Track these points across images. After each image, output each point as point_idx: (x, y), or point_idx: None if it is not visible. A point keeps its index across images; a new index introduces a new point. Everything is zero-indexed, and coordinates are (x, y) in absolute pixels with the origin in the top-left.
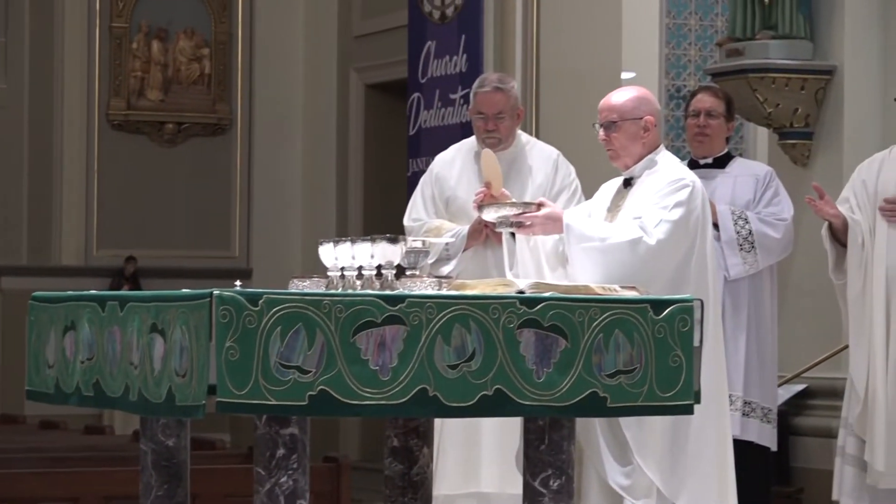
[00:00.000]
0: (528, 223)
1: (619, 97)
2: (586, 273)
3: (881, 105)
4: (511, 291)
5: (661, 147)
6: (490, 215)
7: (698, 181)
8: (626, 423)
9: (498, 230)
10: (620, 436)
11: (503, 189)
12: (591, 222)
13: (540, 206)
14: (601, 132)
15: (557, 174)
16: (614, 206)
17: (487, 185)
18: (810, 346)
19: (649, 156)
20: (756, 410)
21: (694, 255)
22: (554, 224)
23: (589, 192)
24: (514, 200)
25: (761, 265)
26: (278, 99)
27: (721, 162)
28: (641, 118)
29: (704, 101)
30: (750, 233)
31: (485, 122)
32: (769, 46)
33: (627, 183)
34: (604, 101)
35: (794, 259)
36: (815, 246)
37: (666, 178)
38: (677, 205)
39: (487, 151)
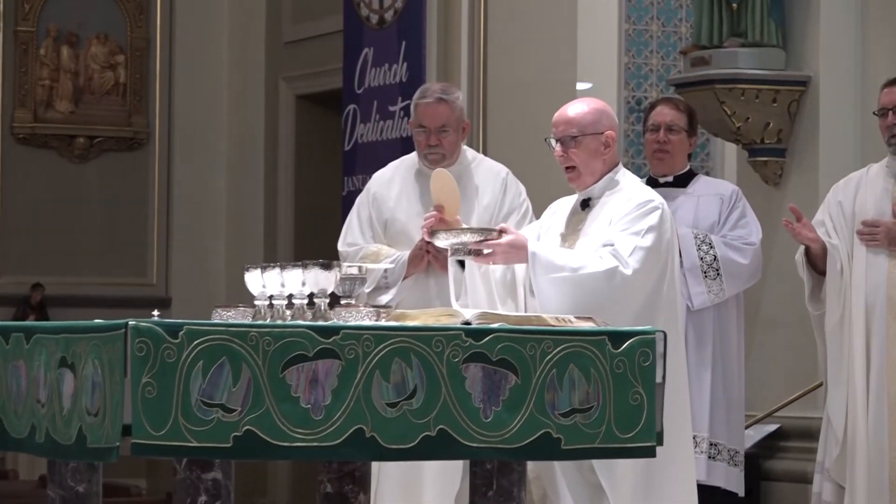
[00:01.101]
0: (489, 251)
1: (578, 109)
2: (553, 305)
3: (860, 119)
4: (456, 322)
5: (620, 165)
6: (444, 242)
7: (665, 202)
8: (598, 465)
9: (452, 258)
10: (591, 479)
11: (458, 216)
12: (559, 251)
13: (502, 232)
14: (557, 148)
15: (506, 194)
16: (571, 230)
17: (440, 208)
18: (783, 382)
19: (609, 175)
20: (723, 453)
21: (665, 282)
22: (518, 252)
23: (541, 212)
24: (469, 226)
25: (727, 294)
26: (200, 111)
27: (682, 180)
28: (602, 133)
29: (664, 113)
30: (715, 258)
31: (427, 136)
32: (738, 55)
33: (585, 204)
34: (559, 114)
35: (765, 287)
36: (787, 273)
37: (632, 199)
38: (650, 229)
39: (442, 171)
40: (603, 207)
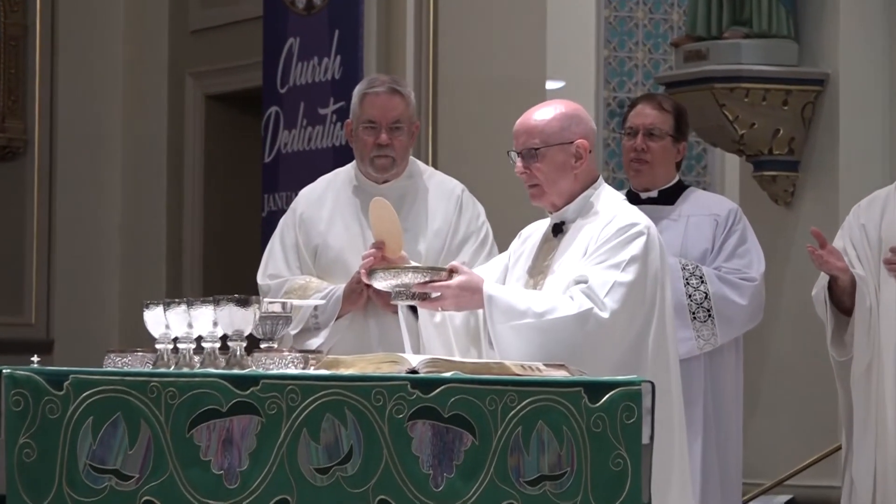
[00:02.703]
0: (437, 295)
1: (542, 116)
2: (515, 357)
3: (888, 126)
4: (400, 371)
5: (600, 180)
6: (383, 283)
7: (653, 225)
8: None
9: (394, 302)
10: None
11: (403, 252)
12: (520, 292)
13: (452, 272)
14: (518, 162)
15: (462, 216)
16: (539, 262)
17: (380, 244)
18: (795, 444)
19: (584, 193)
20: None
21: (653, 325)
22: (471, 296)
23: (504, 239)
24: (415, 264)
25: (720, 340)
26: (89, 114)
27: (669, 196)
28: (572, 142)
29: (644, 114)
30: (706, 297)
31: (376, 134)
32: (741, 48)
33: (557, 230)
34: (521, 122)
35: (772, 329)
36: (800, 311)
37: (611, 223)
38: (632, 261)
39: (380, 200)
40: (577, 233)
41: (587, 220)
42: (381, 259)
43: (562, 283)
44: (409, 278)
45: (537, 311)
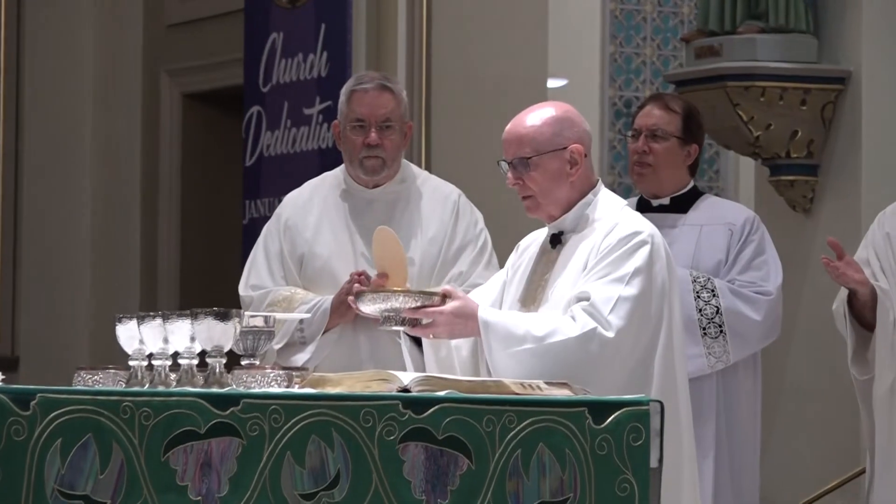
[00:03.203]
0: (429, 321)
1: (531, 122)
2: None
3: None
4: (391, 389)
5: (599, 185)
6: (371, 307)
7: (657, 232)
8: None
9: (382, 328)
10: None
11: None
12: (518, 316)
13: (445, 297)
14: (510, 173)
15: (458, 223)
16: (538, 277)
17: (383, 276)
18: (815, 468)
19: (583, 200)
20: None
21: (660, 341)
22: (466, 323)
23: (502, 248)
24: (410, 289)
25: (732, 358)
26: (57, 114)
27: (682, 203)
28: (565, 148)
29: (649, 115)
30: (717, 311)
31: (365, 133)
32: (756, 43)
33: (555, 241)
34: (510, 130)
35: (791, 345)
36: (822, 327)
37: (612, 232)
38: (636, 273)
39: (384, 230)
40: (577, 245)
41: (587, 229)
42: (379, 284)
43: (562, 300)
44: (399, 303)
45: (537, 336)
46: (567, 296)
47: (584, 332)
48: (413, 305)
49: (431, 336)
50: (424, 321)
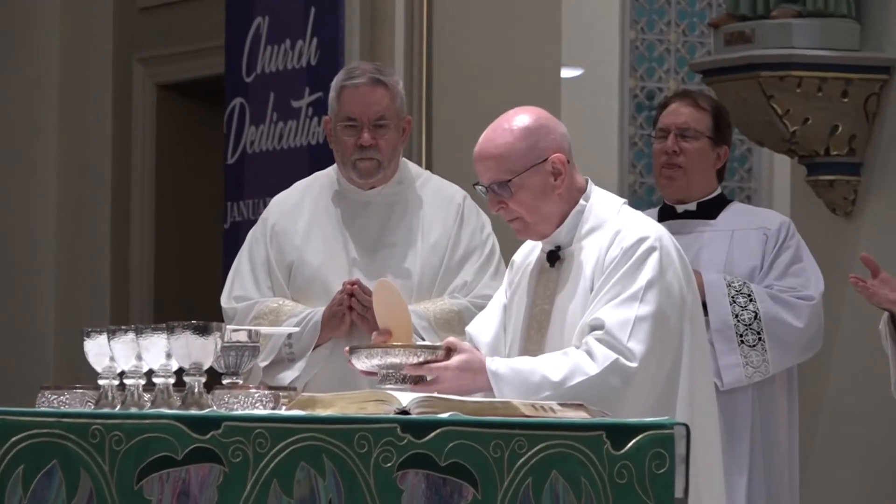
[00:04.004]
0: (433, 378)
1: (502, 138)
2: None
3: None
4: (389, 411)
5: (590, 187)
6: (367, 363)
7: (664, 233)
8: None
9: (381, 388)
10: None
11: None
12: (530, 362)
13: (449, 350)
14: (490, 199)
15: (463, 227)
16: (540, 301)
17: (385, 332)
18: (857, 495)
19: (574, 209)
20: None
21: (683, 356)
22: (474, 377)
23: (510, 256)
24: (417, 343)
25: (773, 368)
26: (19, 107)
27: (710, 209)
28: (545, 160)
29: (678, 113)
30: (756, 317)
31: (357, 133)
32: (792, 29)
33: (553, 257)
34: (481, 151)
35: (831, 363)
36: (866, 342)
37: (615, 244)
38: (648, 286)
39: (385, 283)
40: (577, 260)
41: (585, 240)
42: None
43: (571, 329)
44: (398, 358)
45: (554, 381)
46: (576, 323)
47: (605, 368)
48: (414, 361)
49: (438, 392)
50: (429, 378)
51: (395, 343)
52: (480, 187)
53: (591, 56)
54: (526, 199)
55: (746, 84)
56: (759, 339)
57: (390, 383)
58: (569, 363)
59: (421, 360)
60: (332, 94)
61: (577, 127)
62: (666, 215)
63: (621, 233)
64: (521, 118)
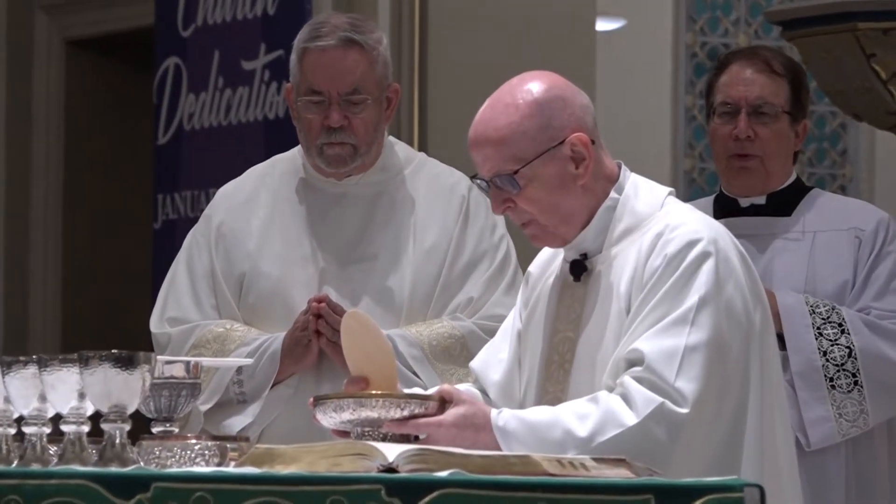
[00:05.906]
0: (422, 437)
1: (503, 118)
2: None
3: None
4: (371, 469)
5: (623, 174)
6: (334, 419)
7: (722, 232)
8: None
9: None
10: None
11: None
12: (549, 413)
13: (444, 401)
14: (492, 197)
15: (468, 227)
16: (563, 327)
17: (359, 380)
18: None
19: (604, 205)
20: None
21: (750, 394)
22: (476, 436)
23: (527, 263)
24: (405, 392)
25: (872, 420)
26: None
27: (783, 203)
28: (562, 142)
29: (746, 81)
30: (850, 354)
31: (323, 111)
32: None
33: (578, 268)
34: (477, 134)
35: None
36: None
37: (657, 250)
38: (702, 305)
39: (355, 315)
40: (610, 271)
41: (619, 245)
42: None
43: (604, 363)
44: (377, 412)
45: (581, 437)
46: (609, 356)
47: (646, 417)
48: (398, 415)
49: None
50: (420, 437)
51: (371, 392)
52: (480, 181)
53: (636, 3)
54: (539, 194)
55: (840, 39)
56: (856, 383)
57: (370, 440)
58: (599, 412)
59: (406, 413)
60: (292, 57)
61: (616, 96)
62: (724, 210)
63: (665, 234)
64: (527, 88)
